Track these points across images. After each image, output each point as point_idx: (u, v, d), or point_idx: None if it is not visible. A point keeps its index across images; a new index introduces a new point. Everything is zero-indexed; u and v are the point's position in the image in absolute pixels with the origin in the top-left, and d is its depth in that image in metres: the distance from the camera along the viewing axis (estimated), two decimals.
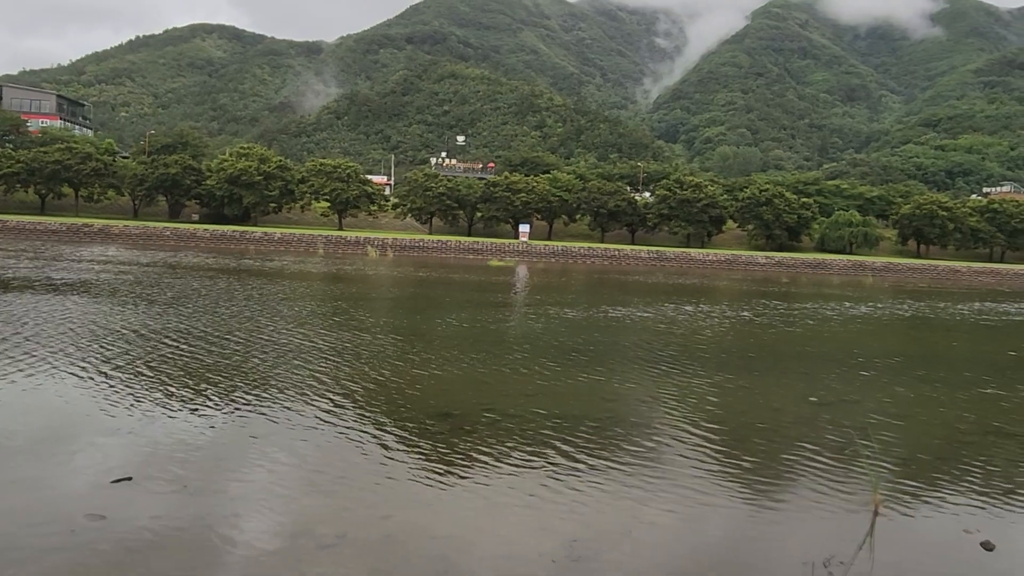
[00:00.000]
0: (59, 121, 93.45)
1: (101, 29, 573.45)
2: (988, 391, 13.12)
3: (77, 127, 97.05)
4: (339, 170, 73.08)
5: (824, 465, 8.32)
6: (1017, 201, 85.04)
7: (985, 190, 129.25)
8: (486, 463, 7.73)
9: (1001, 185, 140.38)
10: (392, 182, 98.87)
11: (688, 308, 24.62)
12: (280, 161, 73.95)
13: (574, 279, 40.46)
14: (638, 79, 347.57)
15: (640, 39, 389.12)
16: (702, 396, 11.47)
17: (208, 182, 70.81)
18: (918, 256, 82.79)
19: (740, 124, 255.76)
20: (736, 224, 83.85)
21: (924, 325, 24.55)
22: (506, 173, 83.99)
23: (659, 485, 7.39)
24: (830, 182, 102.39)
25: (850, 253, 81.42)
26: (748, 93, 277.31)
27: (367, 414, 9.29)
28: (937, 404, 11.80)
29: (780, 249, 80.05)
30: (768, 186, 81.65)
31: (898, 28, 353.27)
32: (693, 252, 67.67)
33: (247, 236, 60.25)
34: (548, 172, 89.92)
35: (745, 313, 23.90)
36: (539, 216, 79.48)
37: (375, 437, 8.37)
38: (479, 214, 77.71)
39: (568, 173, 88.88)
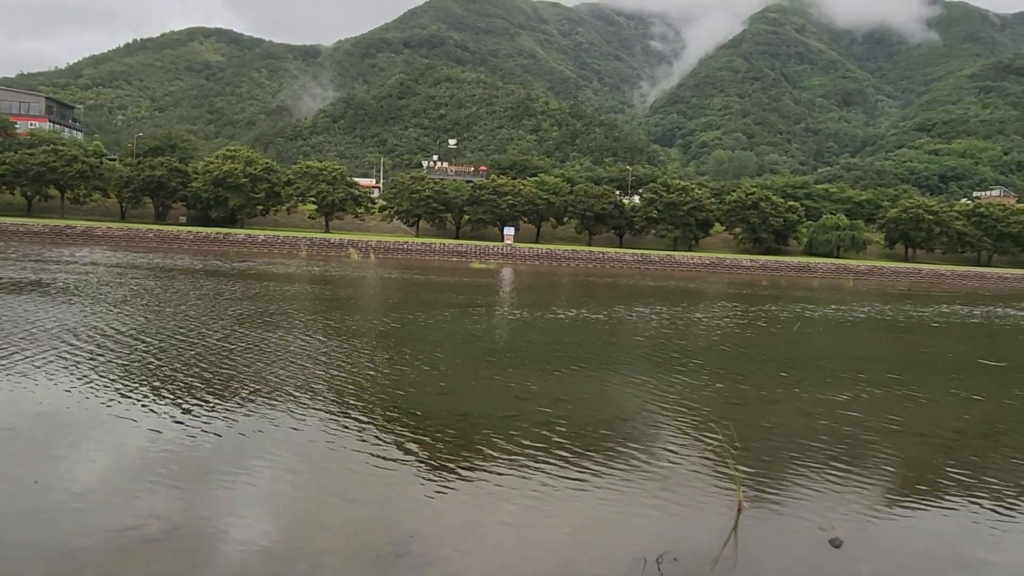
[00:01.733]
0: (48, 123, 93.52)
1: (98, 32, 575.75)
2: (911, 391, 13.13)
3: (67, 129, 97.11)
4: (325, 172, 73.16)
5: (701, 464, 8.32)
6: (1003, 205, 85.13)
7: (975, 194, 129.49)
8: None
9: (991, 189, 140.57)
10: (381, 185, 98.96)
11: (642, 309, 24.63)
12: (266, 163, 74.03)
13: (549, 281, 40.47)
14: (635, 83, 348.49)
15: (637, 43, 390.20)
16: (608, 396, 11.47)
17: (194, 184, 70.88)
18: (905, 260, 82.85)
19: (736, 128, 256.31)
20: (723, 227, 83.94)
21: (879, 327, 24.57)
22: (493, 176, 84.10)
23: (520, 483, 7.38)
24: (819, 186, 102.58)
25: (837, 256, 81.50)
26: (744, 97, 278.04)
27: (313, 414, 9.28)
28: (854, 404, 11.81)
29: (768, 252, 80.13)
30: (755, 189, 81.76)
31: (895, 33, 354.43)
32: (677, 255, 67.69)
33: (231, 238, 60.26)
34: (536, 175, 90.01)
35: (699, 315, 23.91)
36: (526, 219, 79.55)
37: (328, 440, 8.36)
38: (466, 217, 77.76)
39: (556, 176, 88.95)
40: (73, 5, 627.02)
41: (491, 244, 67.38)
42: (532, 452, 8.21)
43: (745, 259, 69.35)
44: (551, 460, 8.01)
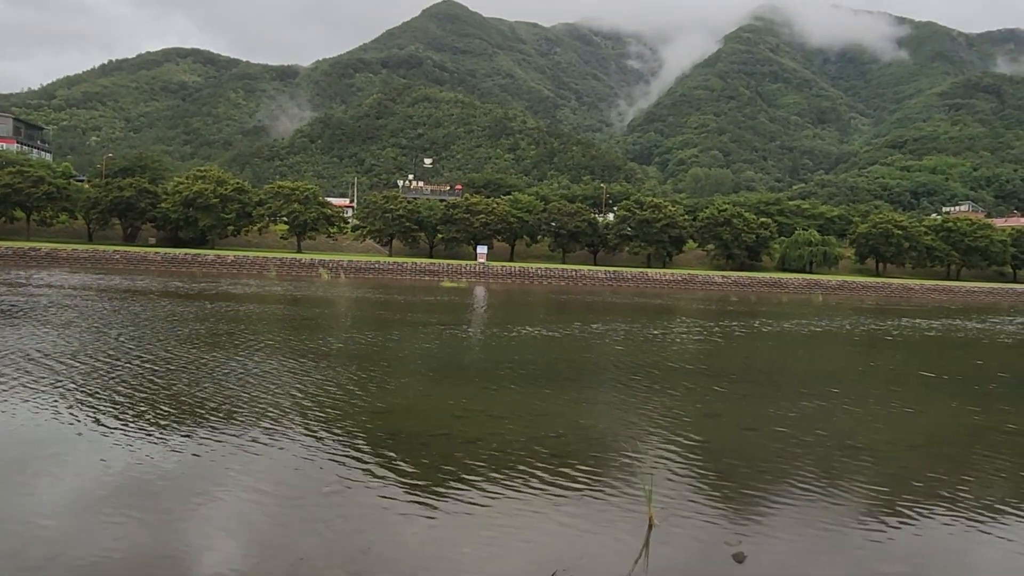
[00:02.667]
0: (15, 144, 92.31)
1: (71, 54, 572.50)
2: (848, 405, 13.06)
3: (35, 151, 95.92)
4: (297, 192, 72.76)
5: (617, 481, 8.16)
6: (971, 220, 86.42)
7: (944, 209, 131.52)
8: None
9: (960, 204, 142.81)
10: (355, 204, 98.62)
11: (599, 327, 24.51)
12: (237, 183, 73.47)
13: (516, 299, 40.31)
14: (613, 102, 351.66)
15: (614, 63, 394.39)
16: (542, 414, 11.28)
17: (163, 205, 70.14)
18: (876, 274, 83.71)
19: (712, 146, 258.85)
20: (697, 244, 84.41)
21: (833, 341, 24.63)
22: (466, 195, 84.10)
23: (435, 501, 7.20)
24: (792, 202, 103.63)
25: (810, 272, 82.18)
26: (720, 116, 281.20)
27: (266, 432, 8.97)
28: (788, 418, 11.70)
29: (741, 269, 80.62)
30: (727, 206, 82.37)
31: (866, 52, 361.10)
32: (650, 272, 67.88)
33: (199, 259, 59.62)
34: (510, 193, 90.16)
35: (655, 331, 23.83)
36: (500, 238, 79.50)
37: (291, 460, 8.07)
38: (440, 236, 77.56)
39: (530, 195, 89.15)
40: (45, 27, 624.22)
41: (464, 263, 67.22)
42: (453, 470, 8.13)
43: (717, 275, 69.70)
44: (471, 478, 7.91)
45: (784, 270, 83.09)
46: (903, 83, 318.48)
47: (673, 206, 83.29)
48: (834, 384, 15.47)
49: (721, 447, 9.86)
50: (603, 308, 35.20)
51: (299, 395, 11.50)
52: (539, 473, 8.21)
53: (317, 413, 10.40)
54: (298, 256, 63.47)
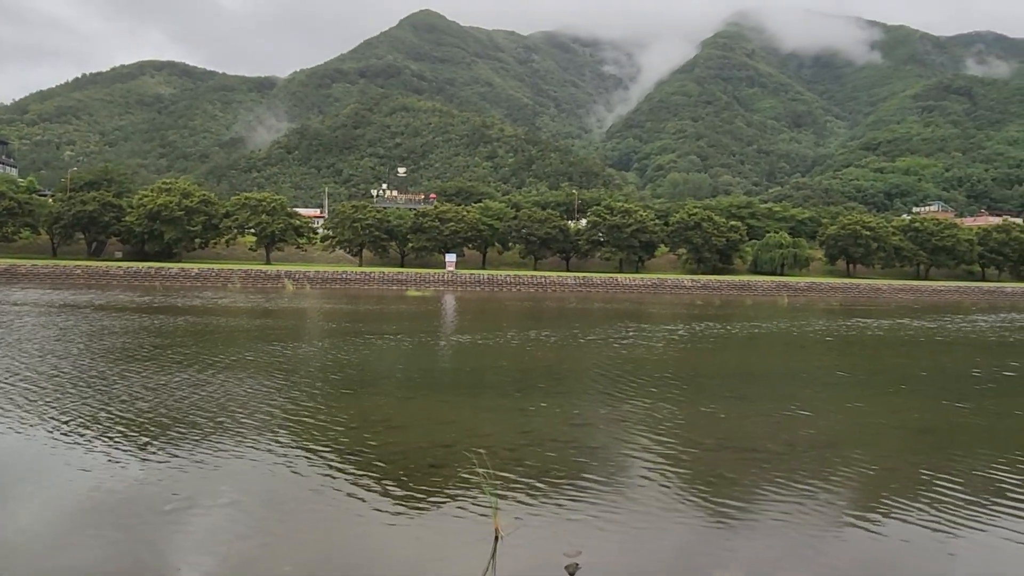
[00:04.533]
0: None
1: (43, 69, 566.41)
2: (762, 405, 12.92)
3: (1, 166, 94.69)
4: (264, 203, 72.20)
5: (467, 491, 7.97)
6: (937, 220, 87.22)
7: (915, 209, 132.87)
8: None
9: (929, 204, 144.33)
10: (327, 215, 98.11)
11: (533, 333, 24.32)
12: (203, 195, 72.82)
13: (479, 307, 40.09)
14: (591, 109, 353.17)
15: (593, 70, 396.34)
16: (437, 421, 11.07)
17: (128, 219, 69.34)
18: (847, 275, 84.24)
19: (690, 151, 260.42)
20: (668, 249, 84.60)
21: (772, 342, 24.59)
22: (437, 203, 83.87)
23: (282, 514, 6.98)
24: (763, 205, 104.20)
25: (781, 274, 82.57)
26: (698, 121, 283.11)
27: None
28: (691, 420, 11.55)
29: (713, 272, 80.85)
30: (697, 210, 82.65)
31: (841, 56, 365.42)
32: (620, 277, 67.87)
33: (162, 272, 58.92)
34: (481, 201, 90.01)
35: (592, 336, 23.67)
36: (471, 245, 79.28)
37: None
38: (410, 245, 77.20)
39: (501, 202, 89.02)
40: (17, 42, 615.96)
41: (433, 271, 66.90)
42: (327, 478, 8.21)
43: (687, 279, 69.82)
44: (340, 490, 7.91)
45: (756, 273, 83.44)
46: (877, 86, 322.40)
47: (644, 211, 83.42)
48: (748, 385, 15.34)
49: (609, 451, 9.69)
50: (556, 314, 35.07)
51: (184, 407, 11.20)
52: (400, 486, 8.14)
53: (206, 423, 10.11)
54: (263, 268, 62.91)
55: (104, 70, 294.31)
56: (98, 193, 71.23)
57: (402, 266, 76.71)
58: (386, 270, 66.57)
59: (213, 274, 59.30)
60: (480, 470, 8.18)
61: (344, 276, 61.53)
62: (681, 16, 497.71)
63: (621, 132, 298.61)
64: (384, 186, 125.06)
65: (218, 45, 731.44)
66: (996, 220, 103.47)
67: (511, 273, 67.53)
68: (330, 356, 17.60)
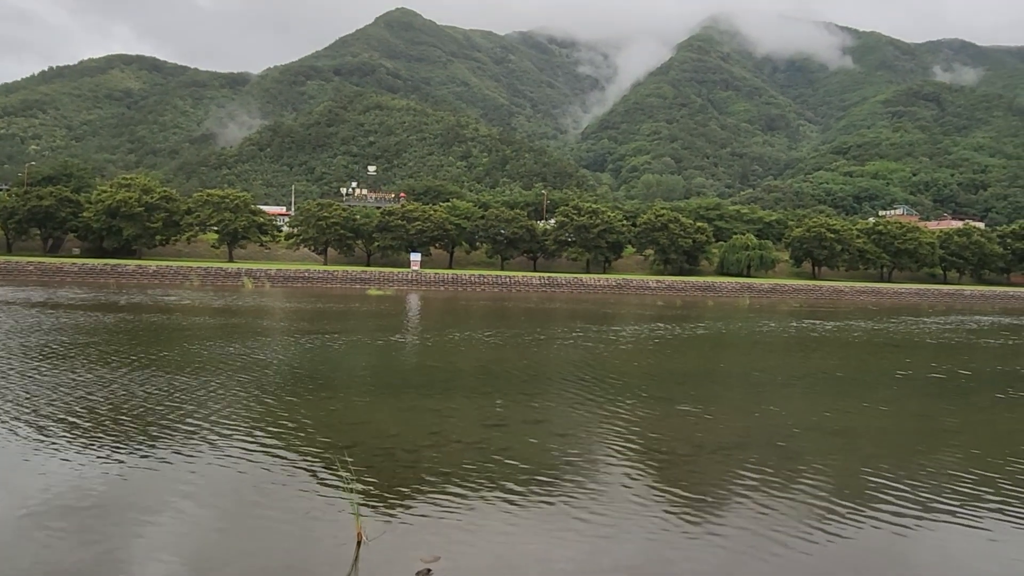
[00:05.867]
0: None
1: (7, 61, 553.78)
2: (683, 407, 12.73)
3: None
4: (227, 200, 71.12)
5: (331, 495, 7.69)
6: (900, 223, 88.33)
7: (880, 213, 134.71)
8: None
9: (895, 208, 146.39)
10: (293, 212, 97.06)
11: (492, 333, 24.04)
12: (164, 192, 71.55)
13: (436, 307, 39.73)
14: (567, 109, 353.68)
15: (568, 70, 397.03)
16: (330, 423, 10.75)
17: (85, 214, 67.90)
18: (813, 277, 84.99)
19: (665, 153, 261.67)
20: (635, 249, 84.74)
21: (714, 344, 24.54)
22: (403, 202, 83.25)
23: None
24: (732, 207, 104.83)
25: (747, 276, 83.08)
26: (672, 123, 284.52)
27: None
28: (606, 423, 11.33)
29: (680, 273, 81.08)
30: (664, 211, 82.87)
31: (814, 61, 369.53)
32: (585, 278, 67.81)
33: (119, 269, 57.79)
34: (449, 200, 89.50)
35: (537, 336, 23.43)
36: (438, 245, 78.78)
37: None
38: (376, 244, 76.51)
39: (469, 201, 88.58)
40: None
41: (397, 271, 66.33)
42: (213, 477, 7.73)
43: (652, 280, 69.94)
44: (214, 490, 7.76)
45: (723, 274, 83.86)
46: (849, 91, 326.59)
47: (612, 211, 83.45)
48: (674, 386, 15.16)
49: (483, 456, 9.44)
50: (510, 314, 34.81)
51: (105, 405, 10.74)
52: (278, 487, 8.00)
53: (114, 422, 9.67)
54: (222, 266, 61.93)
55: (72, 63, 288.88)
56: (55, 188, 69.71)
57: (368, 265, 75.99)
58: (349, 269, 65.88)
59: (171, 272, 58.23)
60: (343, 473, 7.93)
61: (306, 274, 60.76)
62: (656, 18, 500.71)
63: (596, 133, 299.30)
64: (354, 184, 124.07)
65: (189, 41, 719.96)
66: (958, 224, 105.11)
67: (475, 273, 67.18)
68: (256, 355, 17.17)
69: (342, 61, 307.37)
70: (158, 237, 71.01)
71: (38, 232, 70.78)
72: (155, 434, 9.84)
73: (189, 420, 10.64)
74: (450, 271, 69.87)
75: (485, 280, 64.23)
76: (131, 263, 60.65)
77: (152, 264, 60.50)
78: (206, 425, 10.39)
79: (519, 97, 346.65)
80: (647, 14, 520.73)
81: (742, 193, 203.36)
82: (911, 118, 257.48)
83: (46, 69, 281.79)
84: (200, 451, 9.16)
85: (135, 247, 70.97)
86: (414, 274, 64.51)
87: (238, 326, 24.44)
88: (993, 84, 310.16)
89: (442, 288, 61.69)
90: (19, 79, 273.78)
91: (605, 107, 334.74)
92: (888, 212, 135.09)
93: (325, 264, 73.61)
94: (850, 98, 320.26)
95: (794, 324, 33.31)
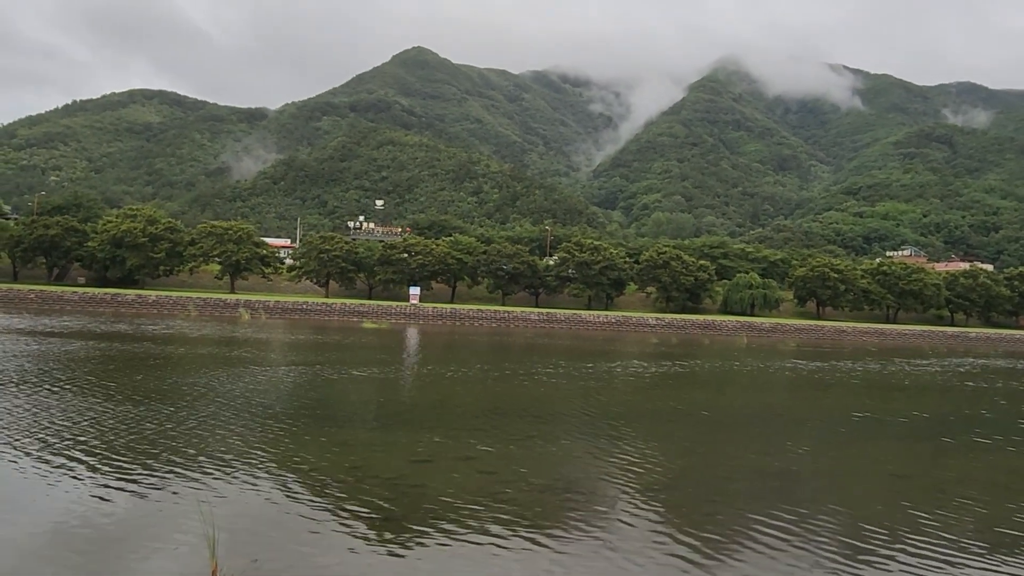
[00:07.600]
0: None
1: (31, 95, 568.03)
2: (638, 444, 12.49)
3: None
4: (231, 232, 71.80)
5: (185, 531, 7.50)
6: (905, 264, 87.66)
7: (888, 254, 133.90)
8: None
9: (903, 249, 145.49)
10: (297, 245, 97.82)
11: (466, 369, 23.86)
12: (168, 222, 72.40)
13: (428, 341, 39.62)
14: (579, 147, 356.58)
15: (581, 109, 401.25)
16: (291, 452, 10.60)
17: (90, 244, 68.71)
18: (817, 317, 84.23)
19: (676, 191, 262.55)
20: (637, 287, 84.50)
21: (685, 383, 24.23)
22: (406, 236, 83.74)
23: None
24: (737, 246, 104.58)
25: (751, 314, 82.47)
26: (684, 162, 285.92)
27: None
28: (541, 458, 11.12)
29: (683, 311, 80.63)
30: (666, 249, 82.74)
31: (826, 102, 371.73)
32: (584, 314, 67.56)
33: (119, 299, 58.22)
34: (451, 235, 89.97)
35: (510, 372, 23.23)
36: (440, 279, 78.96)
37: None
38: (378, 277, 76.79)
39: (473, 236, 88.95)
40: (5, 68, 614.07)
41: (396, 304, 66.43)
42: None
43: (651, 317, 69.56)
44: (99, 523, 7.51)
45: (726, 313, 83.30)
46: (860, 132, 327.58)
47: (614, 249, 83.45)
48: (624, 426, 14.89)
49: (394, 491, 9.24)
50: (498, 350, 34.64)
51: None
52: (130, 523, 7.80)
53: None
54: (222, 296, 62.28)
55: (94, 97, 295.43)
56: (62, 218, 70.71)
57: (369, 298, 76.17)
58: (348, 301, 66.03)
59: (170, 302, 58.60)
60: (201, 503, 7.78)
61: (303, 306, 60.95)
62: (667, 59, 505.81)
63: (608, 171, 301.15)
64: (362, 218, 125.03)
65: (209, 77, 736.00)
66: (965, 265, 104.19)
67: (474, 307, 67.13)
68: (223, 386, 17.10)
69: (358, 98, 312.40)
70: (161, 267, 71.68)
71: (44, 261, 71.64)
72: (90, 456, 9.72)
73: (120, 448, 10.52)
74: (449, 305, 69.89)
75: (483, 315, 64.12)
76: (131, 293, 61.10)
77: (152, 294, 60.93)
78: (136, 452, 10.26)
79: (532, 135, 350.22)
80: (658, 54, 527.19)
81: (752, 232, 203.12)
82: (922, 159, 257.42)
83: (69, 102, 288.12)
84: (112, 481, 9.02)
85: (138, 277, 71.61)
86: (412, 308, 64.55)
87: (213, 356, 24.42)
88: (1004, 127, 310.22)
89: (440, 322, 61.60)
90: (42, 112, 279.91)
91: (617, 145, 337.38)
92: (896, 253, 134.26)
93: (327, 296, 73.86)
94: (862, 139, 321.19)
95: (780, 364, 32.88)
